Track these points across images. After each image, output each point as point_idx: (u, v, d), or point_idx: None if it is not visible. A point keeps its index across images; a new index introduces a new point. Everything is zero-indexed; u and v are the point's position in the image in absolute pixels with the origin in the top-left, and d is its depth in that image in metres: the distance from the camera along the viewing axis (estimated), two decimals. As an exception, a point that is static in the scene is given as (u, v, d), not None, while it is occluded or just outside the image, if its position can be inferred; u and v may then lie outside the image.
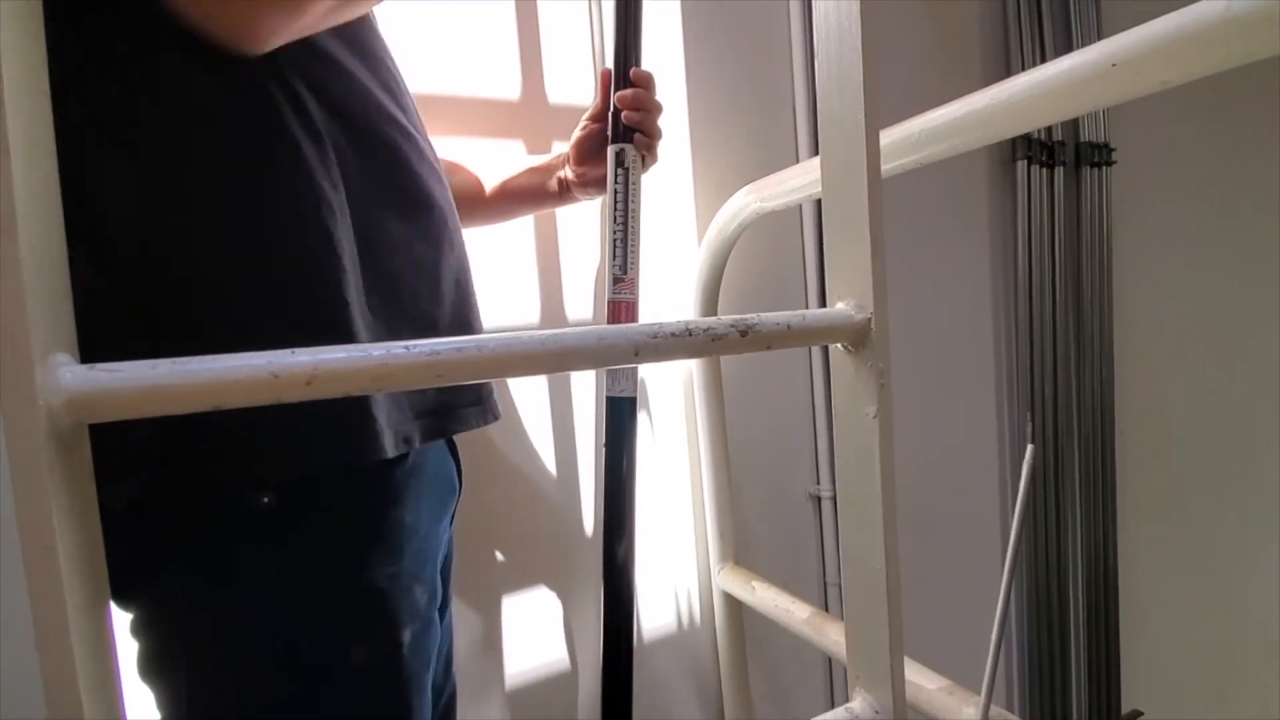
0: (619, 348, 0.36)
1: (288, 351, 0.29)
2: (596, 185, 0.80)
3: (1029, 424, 1.35)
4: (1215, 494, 1.73)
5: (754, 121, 1.09)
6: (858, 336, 0.43)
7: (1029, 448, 0.59)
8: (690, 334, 0.38)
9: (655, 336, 0.37)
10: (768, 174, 0.83)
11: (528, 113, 0.94)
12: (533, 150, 0.94)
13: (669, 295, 1.03)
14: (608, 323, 0.78)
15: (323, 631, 0.50)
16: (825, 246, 0.45)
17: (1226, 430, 1.72)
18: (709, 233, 0.93)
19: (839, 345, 0.45)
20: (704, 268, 0.96)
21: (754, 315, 0.41)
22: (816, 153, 0.51)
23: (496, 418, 0.64)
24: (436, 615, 0.58)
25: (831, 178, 0.45)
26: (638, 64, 0.78)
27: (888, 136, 0.53)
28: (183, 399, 0.27)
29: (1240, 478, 1.77)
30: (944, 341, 1.30)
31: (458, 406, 0.59)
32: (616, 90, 0.77)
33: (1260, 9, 0.31)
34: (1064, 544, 1.41)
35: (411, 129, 0.58)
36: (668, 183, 1.02)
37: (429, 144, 0.61)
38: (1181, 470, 1.67)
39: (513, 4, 0.94)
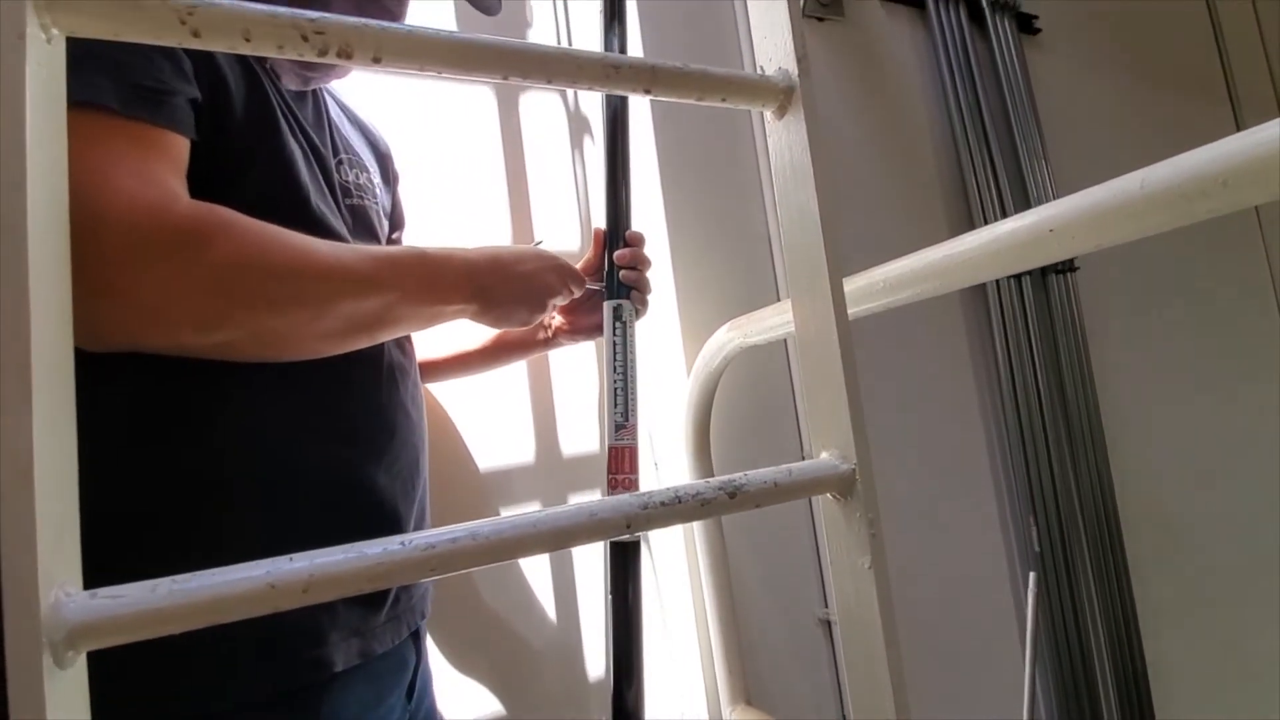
0: (611, 522, 0.37)
1: (285, 558, 0.30)
2: (586, 333, 0.83)
3: (1033, 528, 1.33)
4: (1232, 586, 1.68)
5: (733, 259, 1.14)
6: (844, 487, 0.44)
7: (1031, 575, 0.58)
8: (680, 500, 0.39)
9: (646, 507, 0.38)
10: (750, 306, 0.87)
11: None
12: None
13: (661, 420, 1.04)
14: (609, 467, 0.78)
15: None
16: (805, 396, 0.46)
17: (1230, 517, 1.70)
18: (696, 365, 0.95)
19: (828, 495, 0.46)
20: (693, 398, 0.98)
21: (740, 475, 0.42)
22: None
23: (414, 627, 0.65)
24: None
25: (803, 331, 0.48)
26: (629, 224, 0.82)
27: (853, 283, 0.57)
28: (183, 618, 0.28)
29: (1252, 563, 1.73)
30: (939, 460, 1.30)
31: (370, 629, 0.59)
32: (610, 248, 0.81)
33: (1170, 186, 0.35)
34: (1089, 657, 1.35)
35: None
36: (654, 317, 1.06)
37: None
38: (1194, 564, 1.63)
39: (502, 163, 1.02)
